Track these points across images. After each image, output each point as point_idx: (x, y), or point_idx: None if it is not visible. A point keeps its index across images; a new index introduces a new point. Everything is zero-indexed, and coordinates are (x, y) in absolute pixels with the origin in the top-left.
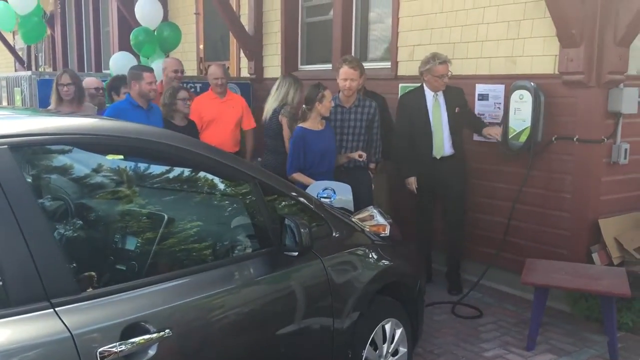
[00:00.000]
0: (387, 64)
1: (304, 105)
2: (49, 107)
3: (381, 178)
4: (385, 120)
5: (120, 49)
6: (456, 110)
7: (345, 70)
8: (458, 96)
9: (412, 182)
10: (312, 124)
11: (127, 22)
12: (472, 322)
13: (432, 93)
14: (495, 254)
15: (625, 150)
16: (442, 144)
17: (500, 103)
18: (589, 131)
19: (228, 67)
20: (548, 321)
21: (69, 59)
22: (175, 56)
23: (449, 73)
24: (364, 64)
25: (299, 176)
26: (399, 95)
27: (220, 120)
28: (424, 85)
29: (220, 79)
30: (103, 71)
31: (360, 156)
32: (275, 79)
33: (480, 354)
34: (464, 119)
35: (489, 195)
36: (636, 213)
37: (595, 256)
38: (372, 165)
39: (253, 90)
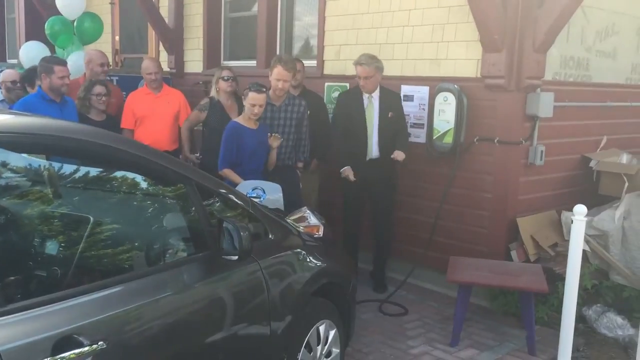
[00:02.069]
0: (313, 62)
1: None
2: None
3: (312, 178)
4: (321, 119)
5: (29, 38)
6: (389, 115)
7: (279, 71)
8: (394, 101)
9: (348, 170)
10: (245, 121)
11: (35, 9)
12: (398, 320)
13: (366, 94)
14: (422, 253)
15: (542, 152)
16: (371, 146)
17: (424, 104)
18: (509, 133)
19: None
20: (469, 317)
21: None
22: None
23: (374, 75)
24: None
25: (229, 172)
26: (324, 94)
27: (155, 117)
28: None
29: (154, 74)
30: (8, 61)
31: (275, 139)
32: (197, 74)
33: (407, 351)
34: (395, 124)
35: (416, 195)
36: (551, 212)
37: (513, 253)
38: (299, 164)
39: (173, 85)
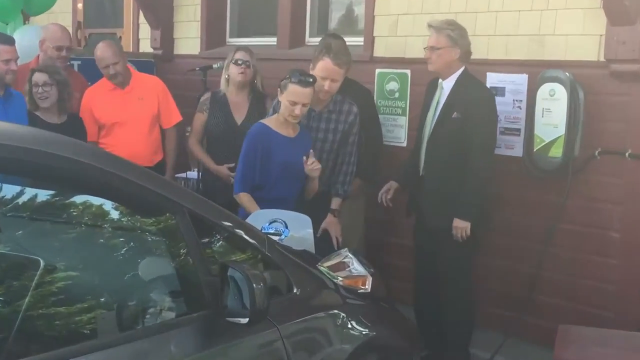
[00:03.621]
0: (358, 40)
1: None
2: None
3: (355, 207)
4: (369, 123)
5: None
6: (453, 116)
7: (326, 66)
8: (469, 96)
9: (390, 186)
10: (278, 124)
11: None
12: None
13: (440, 80)
14: (517, 318)
15: None
16: (421, 157)
17: (521, 100)
18: None
19: (120, 38)
20: None
21: None
22: (41, 19)
23: (444, 48)
24: (318, 40)
25: (246, 199)
26: (374, 86)
27: (126, 122)
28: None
29: (111, 66)
30: None
31: (313, 167)
32: (193, 57)
33: None
34: (459, 133)
35: (508, 232)
36: None
37: None
38: (335, 202)
39: (158, 73)
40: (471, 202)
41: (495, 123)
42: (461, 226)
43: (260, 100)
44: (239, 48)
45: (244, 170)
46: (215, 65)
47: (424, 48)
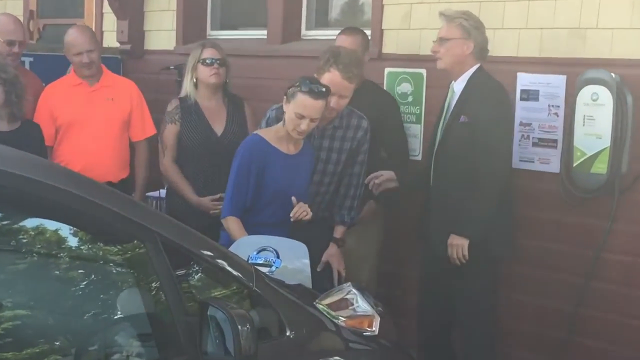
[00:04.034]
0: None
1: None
2: None
3: (369, 232)
4: (390, 137)
5: None
6: (461, 119)
7: (334, 79)
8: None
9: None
10: (277, 139)
11: None
12: None
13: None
14: None
15: None
16: (429, 168)
17: (558, 106)
18: None
19: None
20: None
21: None
22: None
23: (454, 40)
24: (316, 34)
25: (234, 224)
26: (385, 88)
27: (89, 124)
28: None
29: (86, 53)
30: None
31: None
32: (167, 53)
33: None
34: (467, 143)
35: (542, 262)
36: None
37: None
38: (339, 231)
39: (125, 72)
40: (473, 216)
41: (509, 125)
42: (456, 243)
43: (237, 104)
44: (205, 44)
45: (234, 189)
46: (171, 67)
47: (434, 41)
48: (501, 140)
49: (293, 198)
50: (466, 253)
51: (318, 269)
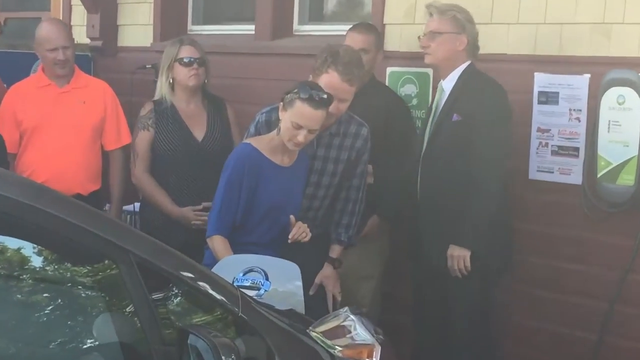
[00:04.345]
0: None
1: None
2: None
3: (372, 250)
4: (398, 143)
5: None
6: (453, 118)
7: (332, 81)
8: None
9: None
10: (271, 149)
11: None
12: None
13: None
14: None
15: None
16: (417, 176)
17: (580, 110)
18: None
19: None
20: None
21: None
22: None
23: (444, 35)
24: (310, 30)
25: (221, 245)
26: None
27: (57, 130)
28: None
29: (61, 49)
30: None
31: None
32: (144, 50)
33: None
34: (459, 146)
35: (561, 285)
36: None
37: None
38: (335, 250)
39: (96, 69)
40: (472, 225)
41: (506, 124)
42: (457, 254)
43: (218, 105)
44: (183, 42)
45: (224, 206)
46: (148, 66)
47: (418, 37)
48: (500, 139)
49: (292, 217)
50: (468, 264)
51: (311, 292)
